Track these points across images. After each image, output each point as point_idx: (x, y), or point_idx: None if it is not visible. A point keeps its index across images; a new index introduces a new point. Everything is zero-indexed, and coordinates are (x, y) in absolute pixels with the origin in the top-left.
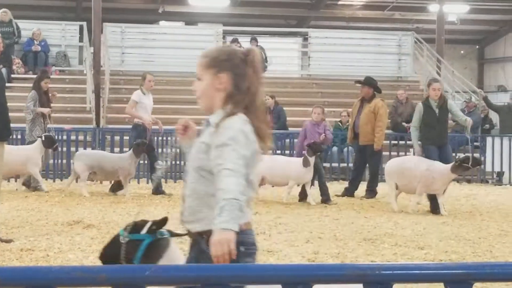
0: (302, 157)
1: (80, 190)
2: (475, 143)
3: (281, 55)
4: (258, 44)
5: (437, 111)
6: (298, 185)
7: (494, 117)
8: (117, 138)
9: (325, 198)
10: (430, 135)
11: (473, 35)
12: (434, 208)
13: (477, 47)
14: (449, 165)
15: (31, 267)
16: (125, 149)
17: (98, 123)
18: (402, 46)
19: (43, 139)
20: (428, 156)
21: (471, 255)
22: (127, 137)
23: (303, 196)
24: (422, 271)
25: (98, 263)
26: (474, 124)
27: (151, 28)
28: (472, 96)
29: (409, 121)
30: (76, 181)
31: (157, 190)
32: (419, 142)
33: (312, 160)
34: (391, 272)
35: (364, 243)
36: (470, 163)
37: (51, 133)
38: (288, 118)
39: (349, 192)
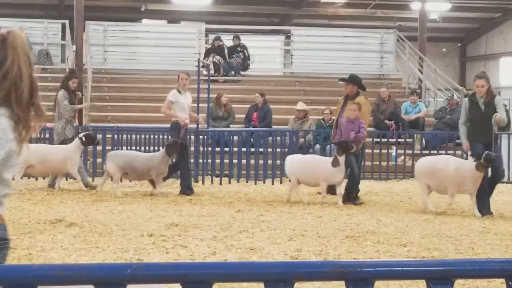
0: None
1: (114, 191)
2: (457, 141)
3: (263, 53)
4: (241, 42)
5: (483, 107)
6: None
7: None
8: (99, 136)
9: (348, 198)
10: (475, 131)
11: (455, 33)
12: (482, 209)
13: (459, 45)
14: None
15: (11, 265)
16: (108, 148)
17: (80, 122)
18: (384, 44)
19: (83, 138)
20: (474, 154)
21: (453, 252)
22: (109, 136)
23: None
24: (404, 268)
25: (81, 261)
26: (456, 122)
27: (133, 26)
28: (454, 94)
29: (391, 118)
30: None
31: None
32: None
33: (342, 159)
34: (372, 269)
35: (346, 241)
36: (482, 159)
37: (89, 131)
38: (272, 116)
39: (332, 190)
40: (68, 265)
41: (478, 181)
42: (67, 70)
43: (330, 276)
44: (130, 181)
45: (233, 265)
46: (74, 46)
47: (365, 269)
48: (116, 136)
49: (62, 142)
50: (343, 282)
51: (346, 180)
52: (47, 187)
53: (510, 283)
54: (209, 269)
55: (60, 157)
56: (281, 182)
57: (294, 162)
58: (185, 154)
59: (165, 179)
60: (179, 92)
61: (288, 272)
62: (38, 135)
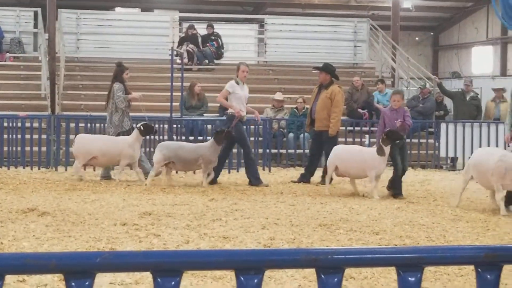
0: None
1: (146, 179)
2: (429, 129)
3: (237, 42)
4: (215, 30)
5: None
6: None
7: (449, 103)
8: (72, 125)
9: (396, 192)
10: None
11: (428, 22)
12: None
13: (431, 34)
14: None
15: None
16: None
17: (53, 110)
18: (358, 33)
19: (142, 128)
20: None
21: (425, 239)
22: (82, 124)
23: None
24: (374, 256)
25: (54, 251)
26: (428, 110)
27: (106, 15)
28: (426, 83)
29: (364, 107)
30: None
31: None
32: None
33: (387, 149)
34: (343, 256)
35: (319, 229)
36: None
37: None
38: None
39: (305, 178)
40: (37, 254)
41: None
42: (116, 64)
43: (301, 264)
44: (177, 172)
45: (203, 253)
46: (47, 34)
47: (336, 256)
48: (89, 124)
49: (118, 135)
50: (314, 270)
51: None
52: (100, 179)
53: (479, 269)
54: (179, 257)
55: (121, 148)
56: None
57: (336, 152)
58: (232, 144)
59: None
60: (237, 83)
61: (259, 260)
62: (94, 126)
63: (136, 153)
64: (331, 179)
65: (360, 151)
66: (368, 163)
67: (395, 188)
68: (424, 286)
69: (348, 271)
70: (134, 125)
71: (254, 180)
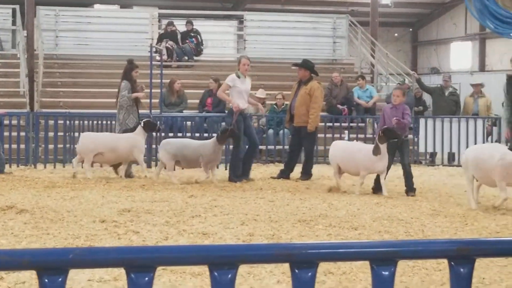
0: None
1: (170, 179)
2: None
3: (216, 38)
4: (194, 27)
5: None
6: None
7: (427, 99)
8: (51, 122)
9: (408, 189)
10: None
11: (407, 18)
12: None
13: (410, 29)
14: None
15: None
16: (59, 134)
17: (32, 108)
18: (337, 29)
19: (143, 124)
20: None
21: (404, 234)
22: (61, 121)
23: (376, 188)
24: (348, 250)
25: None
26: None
27: (85, 11)
28: (405, 78)
29: (343, 103)
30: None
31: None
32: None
33: (383, 147)
34: (317, 251)
35: (298, 225)
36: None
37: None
38: None
39: (284, 174)
40: (10, 250)
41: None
42: (127, 61)
43: (275, 259)
44: (182, 168)
45: (177, 248)
46: (25, 32)
47: (310, 251)
48: (68, 122)
49: (124, 132)
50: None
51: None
52: (126, 178)
53: (452, 263)
54: (152, 253)
55: (127, 145)
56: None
57: (336, 148)
58: (237, 141)
59: None
60: (238, 76)
61: (233, 255)
62: (103, 124)
63: (142, 148)
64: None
65: (359, 149)
66: (364, 162)
67: (407, 186)
68: (402, 280)
69: (327, 266)
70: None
71: (234, 176)
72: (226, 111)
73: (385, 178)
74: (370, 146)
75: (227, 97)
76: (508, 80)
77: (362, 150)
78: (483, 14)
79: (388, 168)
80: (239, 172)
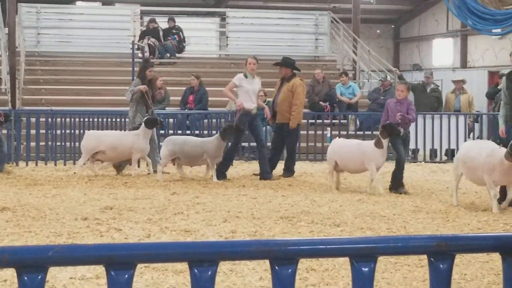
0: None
1: (157, 174)
2: None
3: (199, 35)
4: (176, 24)
5: None
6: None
7: (409, 95)
8: (33, 120)
9: (393, 185)
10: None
11: (389, 15)
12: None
13: (392, 26)
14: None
15: None
16: (41, 132)
17: (13, 105)
18: (319, 26)
19: (144, 122)
20: (510, 139)
21: (386, 231)
22: (43, 119)
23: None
24: (327, 246)
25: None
26: None
27: (67, 8)
28: (387, 75)
29: (325, 100)
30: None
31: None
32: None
33: (385, 142)
34: (297, 247)
35: (281, 221)
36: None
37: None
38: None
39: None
40: None
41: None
42: (143, 60)
43: (255, 255)
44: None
45: (157, 245)
46: (7, 29)
47: (289, 247)
48: (50, 119)
49: (132, 130)
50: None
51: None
52: (148, 174)
53: (431, 259)
54: (132, 250)
55: (129, 143)
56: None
57: (334, 146)
58: (239, 138)
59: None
60: (246, 76)
61: (212, 252)
62: (85, 121)
63: (144, 146)
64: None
65: (359, 145)
66: (368, 156)
67: (394, 182)
68: (384, 276)
69: (309, 263)
70: None
71: (220, 174)
72: (228, 110)
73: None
74: (370, 142)
75: (231, 96)
76: (508, 76)
77: (363, 145)
78: (461, 10)
79: (404, 160)
80: (225, 169)
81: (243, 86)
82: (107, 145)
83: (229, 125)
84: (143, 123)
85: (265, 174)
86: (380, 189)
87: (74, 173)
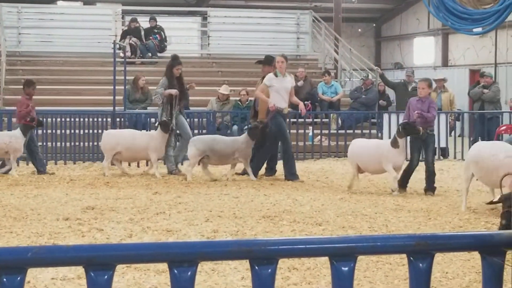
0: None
1: (186, 175)
2: (372, 120)
3: (180, 35)
4: (158, 23)
5: None
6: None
7: (391, 94)
8: (14, 120)
9: (427, 188)
10: None
11: (370, 14)
12: None
13: (374, 25)
14: None
15: None
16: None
17: None
18: (301, 24)
19: (160, 125)
20: None
21: (367, 230)
22: None
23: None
24: (307, 246)
25: None
26: (371, 101)
27: (48, 8)
28: (369, 74)
29: (307, 98)
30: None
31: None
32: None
33: (402, 141)
34: (277, 247)
35: (263, 221)
36: None
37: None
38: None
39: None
40: None
41: None
42: (171, 57)
43: (235, 255)
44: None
45: (135, 246)
46: None
47: (269, 247)
48: None
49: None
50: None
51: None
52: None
53: (411, 258)
54: (111, 251)
55: (143, 144)
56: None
57: (354, 147)
58: (267, 138)
59: None
60: (276, 75)
61: (192, 252)
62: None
63: (160, 147)
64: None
65: (377, 145)
66: (385, 156)
67: (400, 181)
68: (366, 275)
69: (291, 262)
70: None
71: (290, 175)
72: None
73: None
74: (387, 141)
75: (263, 96)
76: None
77: (381, 145)
78: (440, 10)
79: (414, 167)
80: (293, 169)
81: (274, 85)
82: (124, 145)
83: (256, 124)
84: (158, 126)
85: (290, 175)
86: (395, 189)
87: (53, 173)
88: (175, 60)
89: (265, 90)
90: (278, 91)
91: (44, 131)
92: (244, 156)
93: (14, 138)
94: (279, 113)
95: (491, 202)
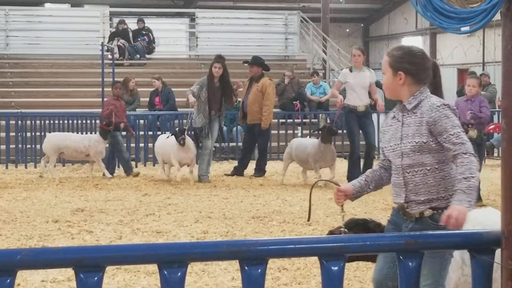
0: None
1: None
2: None
3: (168, 36)
4: (146, 25)
5: None
6: None
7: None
8: (3, 122)
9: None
10: None
11: (358, 14)
12: None
13: (362, 25)
14: None
15: None
16: (11, 134)
17: None
18: (289, 25)
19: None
20: None
21: None
22: (13, 122)
23: None
24: (296, 246)
25: None
26: None
27: (36, 11)
28: None
29: (296, 99)
30: None
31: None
32: None
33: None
34: (266, 247)
35: (253, 221)
36: None
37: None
38: (176, 99)
39: (238, 171)
40: None
41: None
42: (215, 56)
43: (224, 256)
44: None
45: (126, 247)
46: None
47: (258, 247)
48: (20, 122)
49: (192, 131)
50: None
51: None
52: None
53: (400, 257)
54: (101, 252)
55: (167, 146)
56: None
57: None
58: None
59: None
60: (351, 70)
61: (181, 253)
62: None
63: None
64: None
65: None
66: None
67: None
68: (356, 275)
69: (281, 263)
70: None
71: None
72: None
73: None
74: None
75: (337, 94)
76: None
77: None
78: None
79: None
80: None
81: (348, 81)
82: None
83: (323, 126)
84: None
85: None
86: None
87: (40, 176)
88: (214, 59)
89: (339, 87)
90: (353, 87)
91: (33, 133)
92: (315, 161)
93: (93, 142)
94: (352, 111)
95: None
